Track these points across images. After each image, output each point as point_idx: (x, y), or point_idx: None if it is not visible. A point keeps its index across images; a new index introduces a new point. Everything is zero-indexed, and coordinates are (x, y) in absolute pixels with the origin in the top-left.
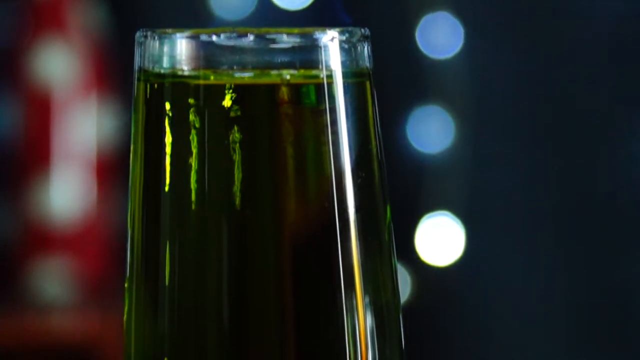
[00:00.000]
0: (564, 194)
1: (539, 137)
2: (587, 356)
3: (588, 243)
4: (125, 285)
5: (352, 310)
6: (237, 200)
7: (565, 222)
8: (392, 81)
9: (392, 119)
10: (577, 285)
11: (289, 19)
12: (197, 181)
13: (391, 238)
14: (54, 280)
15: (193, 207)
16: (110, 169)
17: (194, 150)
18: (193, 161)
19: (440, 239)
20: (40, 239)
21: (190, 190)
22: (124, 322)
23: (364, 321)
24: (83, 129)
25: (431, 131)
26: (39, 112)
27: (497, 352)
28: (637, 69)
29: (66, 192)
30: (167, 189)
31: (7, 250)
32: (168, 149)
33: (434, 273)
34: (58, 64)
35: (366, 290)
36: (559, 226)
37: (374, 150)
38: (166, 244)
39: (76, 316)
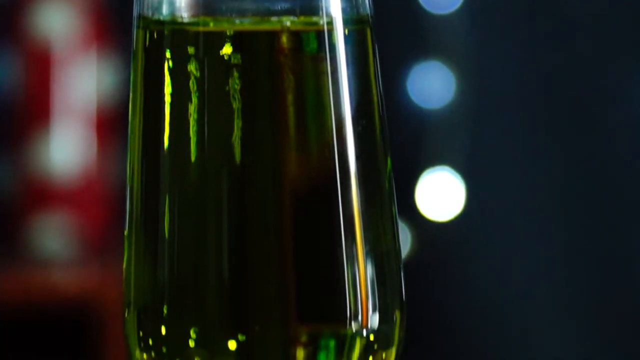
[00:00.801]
0: (565, 149)
1: (540, 92)
2: (587, 307)
3: (588, 198)
4: (125, 233)
5: (352, 258)
6: (237, 149)
7: (565, 177)
8: (392, 37)
9: (393, 75)
10: (577, 240)
11: None
12: (196, 130)
13: (392, 187)
14: (54, 235)
15: (193, 155)
16: (110, 124)
17: (194, 99)
18: (192, 110)
19: (440, 194)
20: (41, 193)
21: (190, 138)
22: (123, 271)
23: (364, 270)
24: (83, 83)
25: (432, 87)
26: (39, 67)
27: (497, 305)
28: (637, 22)
29: (66, 147)
30: (166, 138)
31: (7, 205)
32: (167, 98)
33: (434, 228)
34: (58, 18)
35: (366, 238)
36: (558, 181)
37: (375, 98)
38: (166, 192)
39: (77, 271)
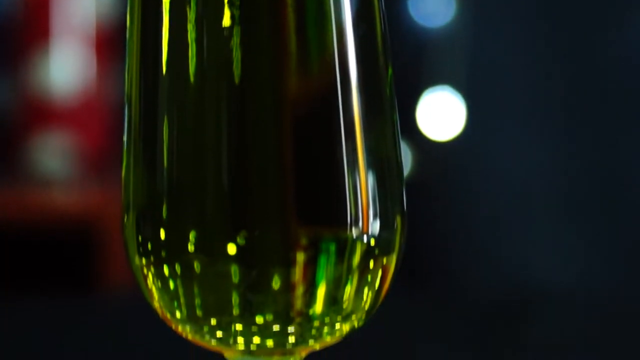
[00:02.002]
0: (565, 68)
1: (540, 12)
2: (588, 221)
3: (589, 112)
4: (124, 139)
5: (352, 163)
6: (237, 53)
7: (565, 95)
8: None
9: None
10: (577, 158)
11: None
12: (195, 37)
13: (393, 95)
14: (54, 154)
15: (192, 60)
16: (110, 43)
17: (192, 6)
18: (191, 17)
19: (441, 114)
20: (41, 113)
21: (189, 44)
22: (122, 178)
23: (365, 174)
24: (82, 1)
25: (433, 5)
26: None
27: (497, 223)
28: None
29: (66, 66)
30: (165, 44)
31: (7, 125)
32: (166, 5)
33: (434, 148)
34: None
35: (367, 143)
36: (558, 100)
37: (376, 6)
38: (165, 96)
39: (77, 189)
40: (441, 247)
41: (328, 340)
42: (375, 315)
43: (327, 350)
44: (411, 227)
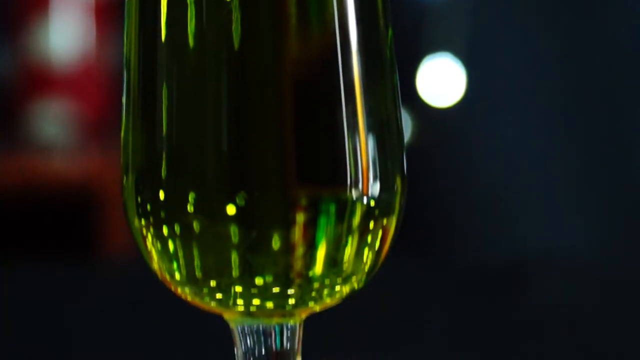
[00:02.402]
0: (567, 34)
1: None
2: (590, 191)
3: (590, 81)
4: (123, 101)
5: (352, 123)
6: (237, 14)
7: (566, 62)
8: None
9: None
10: (578, 123)
11: None
12: None
13: (393, 57)
14: (54, 121)
15: (192, 20)
16: (109, 9)
17: None
18: None
19: (441, 80)
20: (40, 80)
21: (187, 4)
22: (121, 139)
23: (365, 137)
24: None
25: None
26: None
27: (497, 190)
28: None
29: (65, 33)
30: (164, 9)
31: (7, 91)
32: None
33: (435, 114)
34: None
35: (367, 104)
36: (559, 66)
37: None
38: (164, 57)
39: (76, 156)
40: (441, 214)
41: (328, 301)
42: (374, 281)
43: (327, 315)
44: (411, 193)
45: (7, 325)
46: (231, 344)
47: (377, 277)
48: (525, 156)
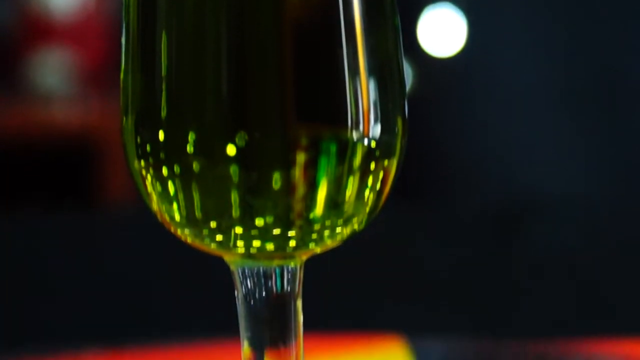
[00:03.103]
0: None
1: None
2: (585, 134)
3: (587, 30)
4: (122, 41)
5: (353, 66)
6: None
7: (565, 10)
8: None
9: None
10: (578, 67)
11: None
12: None
13: None
14: (54, 71)
15: None
16: None
17: None
18: None
19: (442, 30)
20: (41, 29)
21: None
22: (121, 81)
23: (366, 78)
24: None
25: None
26: None
27: (498, 139)
28: None
29: None
30: None
31: (7, 41)
32: None
33: (436, 64)
34: None
35: (367, 44)
36: (559, 15)
37: None
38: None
39: (76, 105)
40: (440, 160)
41: (329, 243)
42: (375, 225)
43: (327, 257)
44: (411, 140)
45: (9, 274)
46: (232, 287)
47: (376, 221)
48: (524, 102)
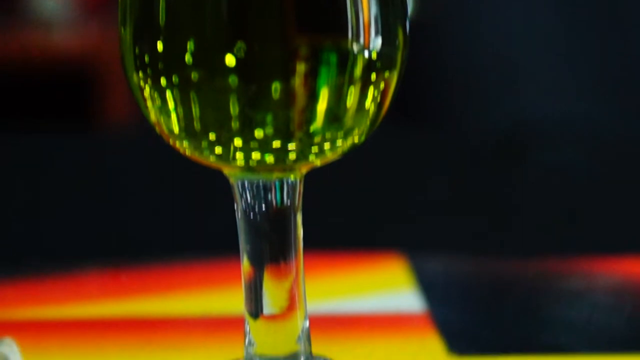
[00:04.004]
0: None
1: None
2: (581, 64)
3: None
4: None
5: None
6: None
7: None
8: None
9: None
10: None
11: None
12: None
13: None
14: None
15: None
16: None
17: None
18: None
19: None
20: None
21: None
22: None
23: None
24: None
25: None
26: None
27: (497, 60)
28: None
29: None
30: None
31: None
32: None
33: None
34: None
35: None
36: None
37: None
38: None
39: (75, 30)
40: (443, 83)
41: (329, 156)
42: (375, 147)
43: (327, 177)
44: (412, 64)
45: (10, 193)
46: (232, 203)
47: (378, 143)
48: (525, 27)
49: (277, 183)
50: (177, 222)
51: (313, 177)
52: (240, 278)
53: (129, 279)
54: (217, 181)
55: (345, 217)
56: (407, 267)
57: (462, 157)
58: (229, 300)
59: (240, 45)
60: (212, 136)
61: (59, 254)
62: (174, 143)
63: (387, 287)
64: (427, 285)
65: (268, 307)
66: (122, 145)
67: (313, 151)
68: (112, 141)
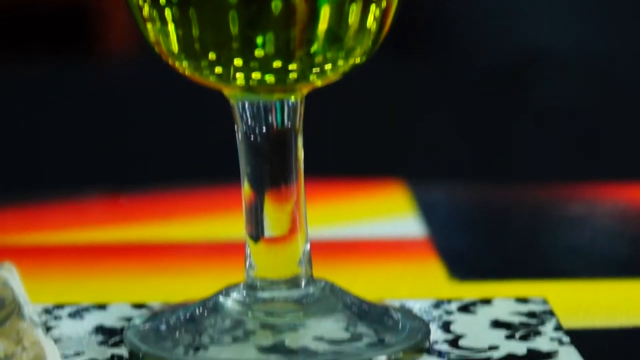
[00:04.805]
0: None
1: None
2: None
3: None
4: None
5: None
6: None
7: None
8: None
9: None
10: None
11: None
12: None
13: None
14: None
15: None
16: None
17: None
18: None
19: None
20: None
21: None
22: None
23: None
24: None
25: None
26: None
27: None
28: None
29: None
30: None
31: None
32: None
33: None
34: None
35: None
36: None
37: None
38: None
39: None
40: (445, 14)
41: (330, 76)
42: (379, 80)
43: (328, 104)
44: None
45: (12, 122)
46: (233, 126)
47: (382, 71)
48: None
49: (277, 104)
50: (177, 148)
51: (314, 105)
52: (241, 203)
53: (130, 205)
54: (217, 111)
55: (347, 144)
56: (408, 193)
57: (464, 86)
58: (230, 226)
59: None
60: (212, 56)
61: (59, 181)
62: (174, 63)
63: (387, 214)
64: (428, 212)
65: (269, 230)
66: (122, 72)
67: (314, 71)
68: (112, 68)
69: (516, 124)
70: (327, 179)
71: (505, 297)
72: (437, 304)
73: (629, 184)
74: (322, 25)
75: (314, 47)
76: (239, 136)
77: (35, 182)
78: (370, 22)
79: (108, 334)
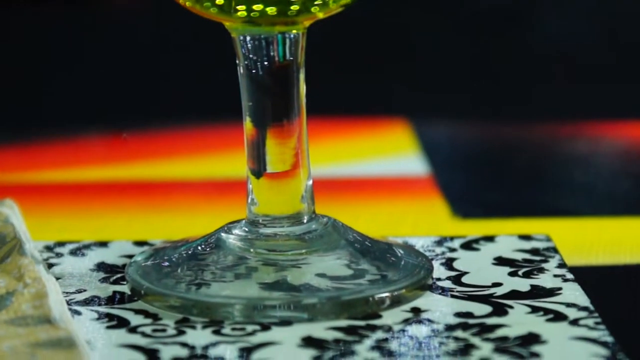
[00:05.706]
0: None
1: None
2: None
3: None
4: None
5: None
6: None
7: None
8: None
9: None
10: None
11: None
12: None
13: None
14: None
15: None
16: None
17: None
18: None
19: None
20: None
21: None
22: None
23: None
24: None
25: None
26: None
27: None
28: None
29: None
30: None
31: None
32: None
33: None
34: None
35: None
36: None
37: None
38: None
39: None
40: None
41: (332, 7)
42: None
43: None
44: None
45: (14, 62)
46: (235, 63)
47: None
48: None
49: (279, 37)
50: (179, 85)
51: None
52: (243, 140)
53: (132, 143)
54: (218, 48)
55: (348, 82)
56: (411, 131)
57: (466, 24)
58: (232, 163)
59: None
60: None
61: (59, 120)
62: None
63: (390, 152)
64: (431, 150)
65: (271, 165)
66: (123, 8)
67: (315, 2)
68: (112, 5)
69: (519, 63)
70: (330, 117)
71: (509, 234)
72: (440, 241)
73: (631, 121)
74: None
75: None
76: (241, 70)
77: (37, 121)
78: None
79: (110, 271)
